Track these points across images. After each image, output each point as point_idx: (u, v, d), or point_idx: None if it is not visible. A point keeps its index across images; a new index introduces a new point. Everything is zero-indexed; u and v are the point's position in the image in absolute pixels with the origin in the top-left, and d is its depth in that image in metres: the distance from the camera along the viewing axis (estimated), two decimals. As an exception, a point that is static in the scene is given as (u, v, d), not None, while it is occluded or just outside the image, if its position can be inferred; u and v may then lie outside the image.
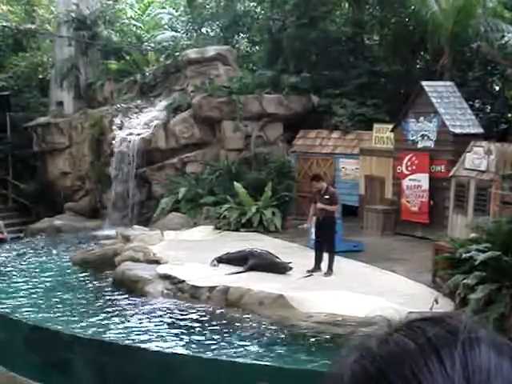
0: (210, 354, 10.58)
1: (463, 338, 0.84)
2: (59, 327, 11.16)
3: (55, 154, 25.55)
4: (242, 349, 11.32)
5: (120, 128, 23.21)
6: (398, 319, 0.93)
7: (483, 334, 0.86)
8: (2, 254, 19.08)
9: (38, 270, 17.08)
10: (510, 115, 21.14)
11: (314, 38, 22.79)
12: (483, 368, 0.82)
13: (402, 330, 0.88)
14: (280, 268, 14.35)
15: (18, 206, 25.54)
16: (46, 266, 17.50)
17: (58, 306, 13.92)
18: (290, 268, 14.28)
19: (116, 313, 13.37)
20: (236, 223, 19.21)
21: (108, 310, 13.61)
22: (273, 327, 12.16)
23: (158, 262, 15.46)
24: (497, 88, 22.77)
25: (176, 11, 31.51)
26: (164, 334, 12.11)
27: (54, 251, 19.49)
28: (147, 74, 25.31)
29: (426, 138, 17.66)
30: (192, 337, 11.94)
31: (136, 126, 23.13)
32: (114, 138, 22.83)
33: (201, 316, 12.85)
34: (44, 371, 10.11)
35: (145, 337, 11.97)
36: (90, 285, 15.60)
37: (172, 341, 11.74)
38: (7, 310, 12.47)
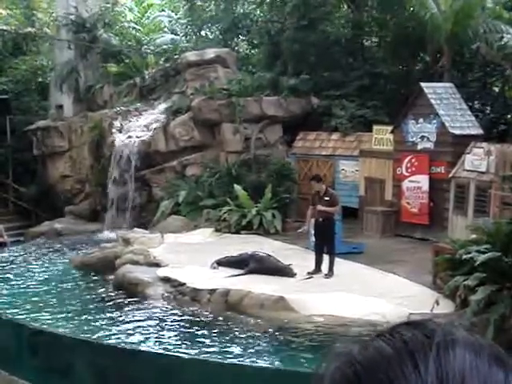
0: (210, 357, 10.57)
1: (438, 341, 0.85)
2: (59, 330, 11.15)
3: (55, 158, 25.55)
4: (242, 351, 11.31)
5: (120, 131, 23.21)
6: (390, 323, 0.94)
7: (460, 336, 0.87)
8: (2, 258, 19.07)
9: (38, 274, 17.07)
10: (509, 116, 21.13)
11: (314, 40, 22.78)
12: (457, 370, 0.83)
13: (383, 336, 0.88)
14: (281, 271, 14.32)
15: (18, 209, 25.54)
16: (47, 270, 17.49)
17: (58, 309, 13.91)
18: (295, 273, 14.22)
19: (116, 316, 13.36)
20: (236, 225, 19.20)
21: (108, 312, 13.60)
22: (273, 329, 12.16)
23: (158, 265, 15.46)
24: (496, 89, 22.77)
25: (175, 14, 31.54)
26: (164, 337, 12.11)
27: (55, 254, 19.48)
28: (147, 76, 25.32)
29: (425, 139, 17.66)
30: (192, 339, 11.93)
31: (136, 128, 23.13)
32: (113, 141, 22.84)
33: (201, 319, 12.84)
34: (44, 375, 10.10)
35: (145, 340, 11.96)
36: (91, 288, 15.60)
37: (172, 344, 11.73)
38: (7, 314, 12.46)
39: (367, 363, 0.85)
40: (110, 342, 11.18)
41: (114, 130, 23.26)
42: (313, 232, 14.71)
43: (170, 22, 30.94)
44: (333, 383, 0.87)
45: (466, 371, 0.83)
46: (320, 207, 14.02)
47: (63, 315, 13.43)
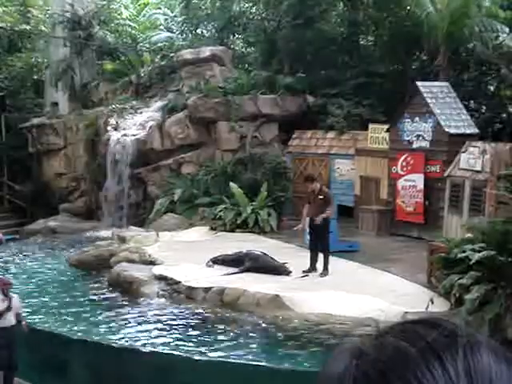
0: (205, 355, 10.57)
1: (464, 343, 0.84)
2: (55, 329, 11.15)
3: (50, 155, 25.50)
4: (238, 349, 11.31)
5: (115, 129, 23.18)
6: (385, 321, 0.92)
7: (481, 338, 0.87)
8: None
9: (33, 272, 17.03)
10: (504, 115, 21.18)
11: (310, 39, 22.79)
12: (485, 373, 0.83)
13: (396, 334, 0.87)
14: (276, 270, 14.33)
15: (14, 207, 25.50)
16: (42, 268, 17.46)
17: (54, 307, 13.89)
18: (290, 271, 14.24)
19: (111, 314, 13.34)
20: (231, 224, 19.20)
21: (103, 311, 13.58)
22: (269, 328, 12.15)
23: (153, 263, 15.45)
24: (492, 88, 22.81)
25: (171, 12, 31.49)
26: (159, 336, 12.09)
27: (50, 252, 19.45)
28: (142, 74, 25.29)
29: (421, 138, 17.68)
30: (188, 338, 11.92)
31: (131, 126, 23.10)
32: (109, 139, 22.80)
33: (196, 317, 12.83)
34: (40, 372, 10.09)
35: (140, 338, 11.95)
36: (86, 286, 15.57)
37: (167, 342, 11.72)
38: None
39: (391, 362, 0.83)
40: (105, 340, 11.16)
41: (109, 128, 23.23)
42: (308, 230, 14.73)
43: (166, 19, 30.89)
44: (354, 382, 0.85)
45: (493, 375, 0.83)
46: (321, 215, 13.94)
47: (58, 313, 13.40)
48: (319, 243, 14.24)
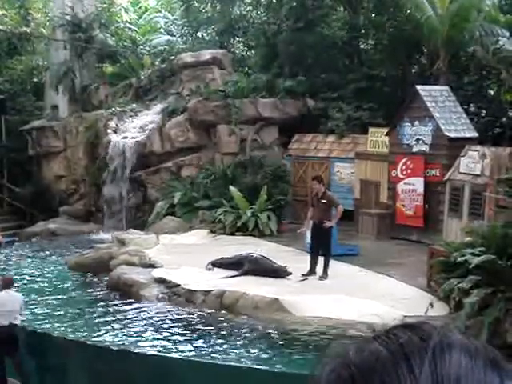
0: (204, 359, 10.57)
1: (434, 344, 0.84)
2: (54, 332, 11.14)
3: (50, 158, 25.52)
4: (236, 353, 11.30)
5: (115, 132, 23.20)
6: (383, 325, 0.93)
7: (456, 338, 0.86)
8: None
9: (32, 274, 17.02)
10: (504, 119, 21.20)
11: (310, 42, 22.81)
12: (452, 373, 0.82)
13: (379, 338, 0.88)
14: (276, 272, 14.33)
15: (13, 209, 25.50)
16: (41, 270, 17.44)
17: (53, 310, 13.88)
18: (290, 273, 14.23)
19: (111, 317, 13.32)
20: (231, 227, 19.21)
21: (103, 314, 13.57)
22: (268, 331, 12.15)
23: (153, 266, 15.45)
24: (492, 92, 22.82)
25: (172, 15, 31.54)
26: (159, 339, 12.08)
27: (49, 255, 19.44)
28: (142, 77, 25.31)
29: (420, 141, 17.69)
30: (187, 341, 11.91)
31: (131, 129, 23.12)
32: (109, 142, 22.81)
33: (196, 320, 12.83)
34: (39, 375, 10.09)
35: (140, 341, 11.94)
36: (86, 289, 15.56)
37: (167, 345, 11.71)
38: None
39: (363, 366, 0.84)
40: (104, 343, 11.16)
41: (109, 131, 23.24)
42: (309, 234, 14.71)
43: (166, 23, 30.95)
44: None
45: (461, 375, 0.82)
46: (328, 223, 13.99)
47: (57, 316, 13.39)
48: (322, 247, 14.23)
